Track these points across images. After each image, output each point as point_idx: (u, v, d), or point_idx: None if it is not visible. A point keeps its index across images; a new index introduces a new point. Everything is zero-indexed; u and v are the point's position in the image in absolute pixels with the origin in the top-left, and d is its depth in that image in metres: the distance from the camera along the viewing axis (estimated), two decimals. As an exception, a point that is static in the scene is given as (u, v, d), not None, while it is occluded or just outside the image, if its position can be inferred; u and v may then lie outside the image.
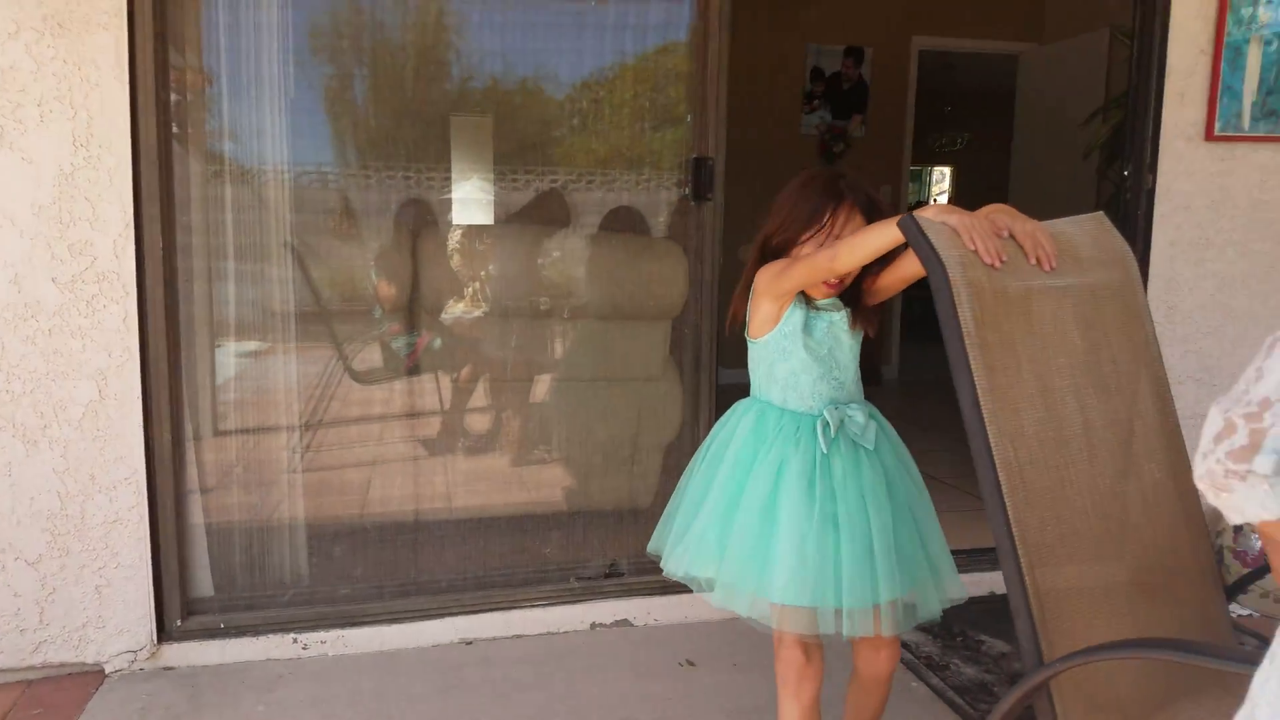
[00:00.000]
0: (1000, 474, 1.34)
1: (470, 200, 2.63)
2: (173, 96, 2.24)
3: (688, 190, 2.51)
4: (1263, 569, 1.60)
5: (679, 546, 1.66)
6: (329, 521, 2.51)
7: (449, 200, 2.57)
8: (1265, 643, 2.04)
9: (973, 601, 2.63)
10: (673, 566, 1.67)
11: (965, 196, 8.48)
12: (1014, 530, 1.32)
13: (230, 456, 2.44)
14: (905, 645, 2.40)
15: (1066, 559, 1.37)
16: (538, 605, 2.47)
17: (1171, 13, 2.67)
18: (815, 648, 1.64)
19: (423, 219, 2.59)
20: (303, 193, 2.43)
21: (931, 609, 1.62)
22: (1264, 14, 2.70)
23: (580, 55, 2.58)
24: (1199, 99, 2.73)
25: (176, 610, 2.32)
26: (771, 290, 1.61)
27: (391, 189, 2.51)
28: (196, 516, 2.37)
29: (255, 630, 2.35)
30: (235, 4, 2.29)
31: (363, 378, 2.73)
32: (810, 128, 5.69)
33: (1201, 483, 0.74)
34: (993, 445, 1.35)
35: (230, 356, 2.48)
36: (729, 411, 1.74)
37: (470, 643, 2.42)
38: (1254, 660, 1.14)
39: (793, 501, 1.57)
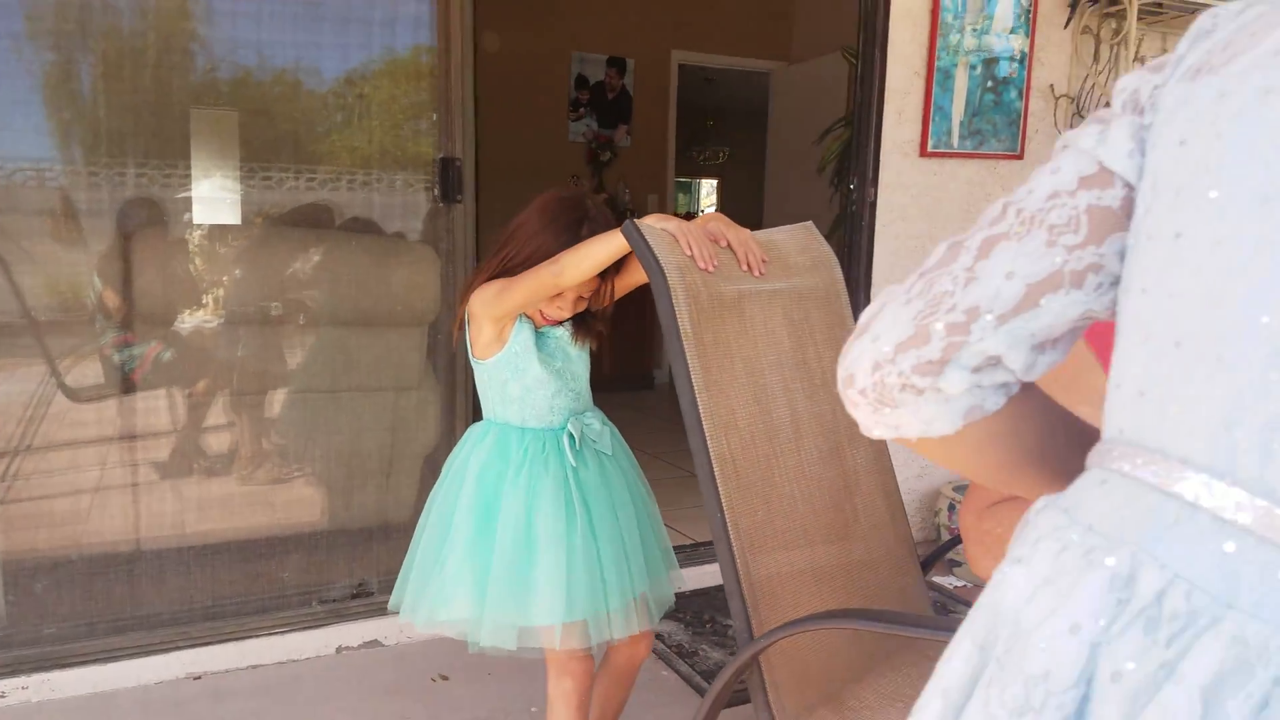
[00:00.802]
0: (715, 465, 1.40)
1: (210, 199, 2.43)
2: None
3: (436, 191, 2.46)
4: (952, 542, 1.78)
5: (426, 593, 1.59)
6: (31, 556, 2.23)
7: (186, 199, 2.37)
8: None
9: (722, 589, 2.76)
10: (421, 617, 1.58)
11: (728, 208, 8.90)
12: (727, 517, 1.39)
13: (-95, 488, 2.12)
14: (658, 636, 2.46)
15: (777, 542, 1.46)
16: (276, 632, 2.33)
17: (890, 37, 2.92)
18: (591, 668, 1.65)
19: (155, 219, 2.37)
20: (10, 191, 2.16)
21: (669, 598, 1.69)
22: (969, 41, 3.02)
23: (326, 50, 2.46)
24: (915, 118, 3.01)
25: None
26: (491, 312, 1.57)
27: (120, 186, 2.27)
28: None
29: (-62, 684, 2.05)
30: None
31: (79, 395, 2.46)
32: (578, 135, 5.77)
33: (864, 395, 0.61)
34: (708, 439, 1.41)
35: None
36: (462, 440, 1.68)
37: (199, 677, 2.24)
38: (933, 626, 1.26)
39: (551, 521, 1.55)
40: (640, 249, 1.44)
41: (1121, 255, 0.57)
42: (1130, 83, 0.59)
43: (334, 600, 2.44)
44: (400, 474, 2.55)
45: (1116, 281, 0.58)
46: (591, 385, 1.72)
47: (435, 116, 2.45)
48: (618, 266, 1.59)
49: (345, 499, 2.51)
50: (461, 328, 1.67)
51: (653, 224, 1.48)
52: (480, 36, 5.17)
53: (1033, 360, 0.59)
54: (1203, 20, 0.58)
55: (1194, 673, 0.46)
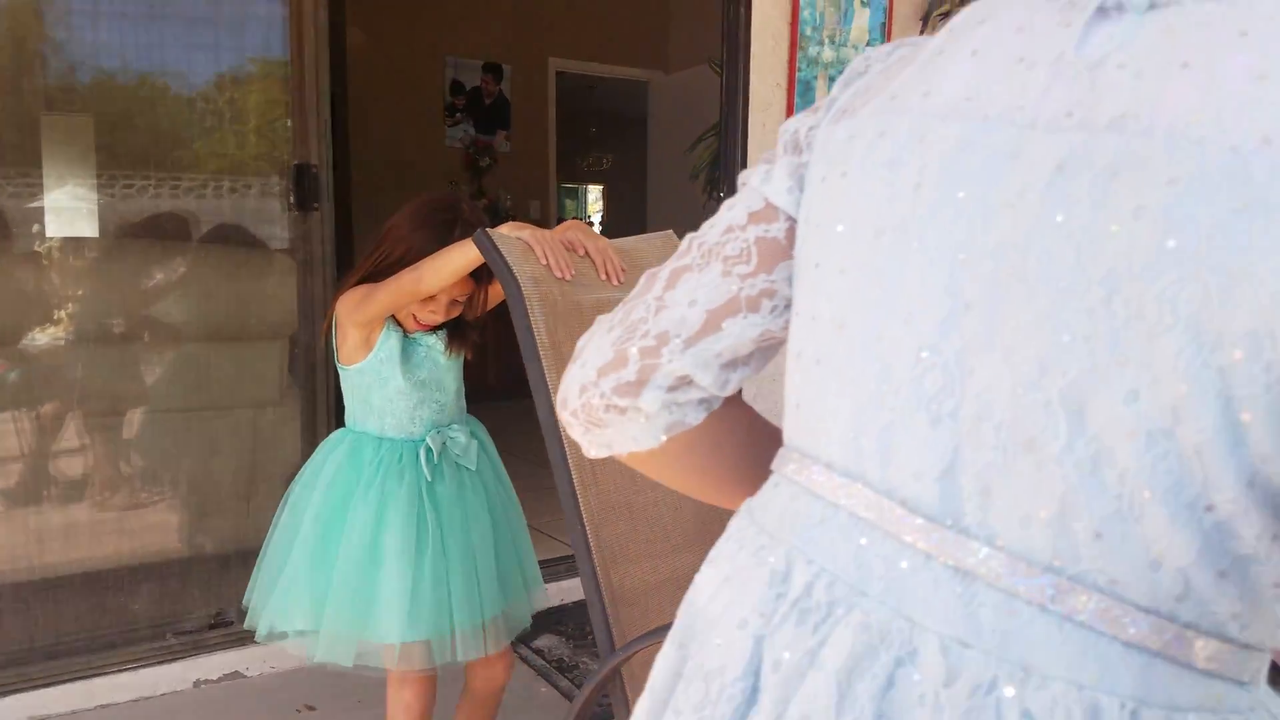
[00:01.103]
0: (574, 477, 1.38)
1: (59, 210, 2.28)
2: None
3: (292, 199, 2.37)
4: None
5: (270, 600, 1.53)
6: None
7: (35, 209, 2.22)
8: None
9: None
10: (261, 625, 1.53)
11: (613, 215, 8.94)
12: (588, 529, 1.38)
13: None
14: (537, 651, 2.43)
15: (641, 552, 1.45)
16: (127, 669, 2.19)
17: (752, 50, 2.98)
18: (435, 681, 1.60)
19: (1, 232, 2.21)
20: None
21: (524, 619, 1.65)
22: (828, 53, 3.11)
23: (174, 52, 2.34)
24: (778, 128, 3.07)
25: None
26: (355, 318, 1.54)
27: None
28: None
29: None
30: None
31: (-92, 421, 2.26)
32: (455, 140, 5.68)
33: (575, 416, 0.66)
34: (567, 450, 1.39)
35: None
36: (319, 448, 1.64)
37: (42, 721, 2.09)
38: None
39: (400, 536, 1.51)
40: (493, 258, 1.42)
41: (791, 281, 0.62)
42: (792, 124, 0.64)
43: (190, 632, 2.31)
44: (260, 495, 2.44)
45: (790, 305, 0.62)
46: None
47: (290, 122, 2.36)
48: (491, 274, 1.57)
49: (202, 523, 2.39)
50: (329, 332, 1.63)
51: (507, 233, 1.47)
52: (348, 39, 5.03)
53: (725, 377, 0.63)
54: (856, 63, 0.63)
55: (832, 658, 0.50)
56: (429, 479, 1.56)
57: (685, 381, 0.63)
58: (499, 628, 1.62)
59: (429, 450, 1.57)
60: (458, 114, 5.66)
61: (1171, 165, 0.42)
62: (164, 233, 2.38)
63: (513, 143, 5.88)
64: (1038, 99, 0.48)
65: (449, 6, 5.46)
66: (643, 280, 0.66)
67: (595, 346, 0.65)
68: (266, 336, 2.45)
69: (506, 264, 1.42)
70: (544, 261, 1.45)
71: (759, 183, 0.64)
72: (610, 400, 0.63)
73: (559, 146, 6.15)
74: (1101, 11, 0.47)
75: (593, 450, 0.69)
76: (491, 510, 1.64)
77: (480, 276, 1.56)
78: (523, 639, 1.83)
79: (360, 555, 1.49)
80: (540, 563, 1.84)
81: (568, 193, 9.88)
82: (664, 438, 0.65)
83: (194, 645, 2.29)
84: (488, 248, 1.43)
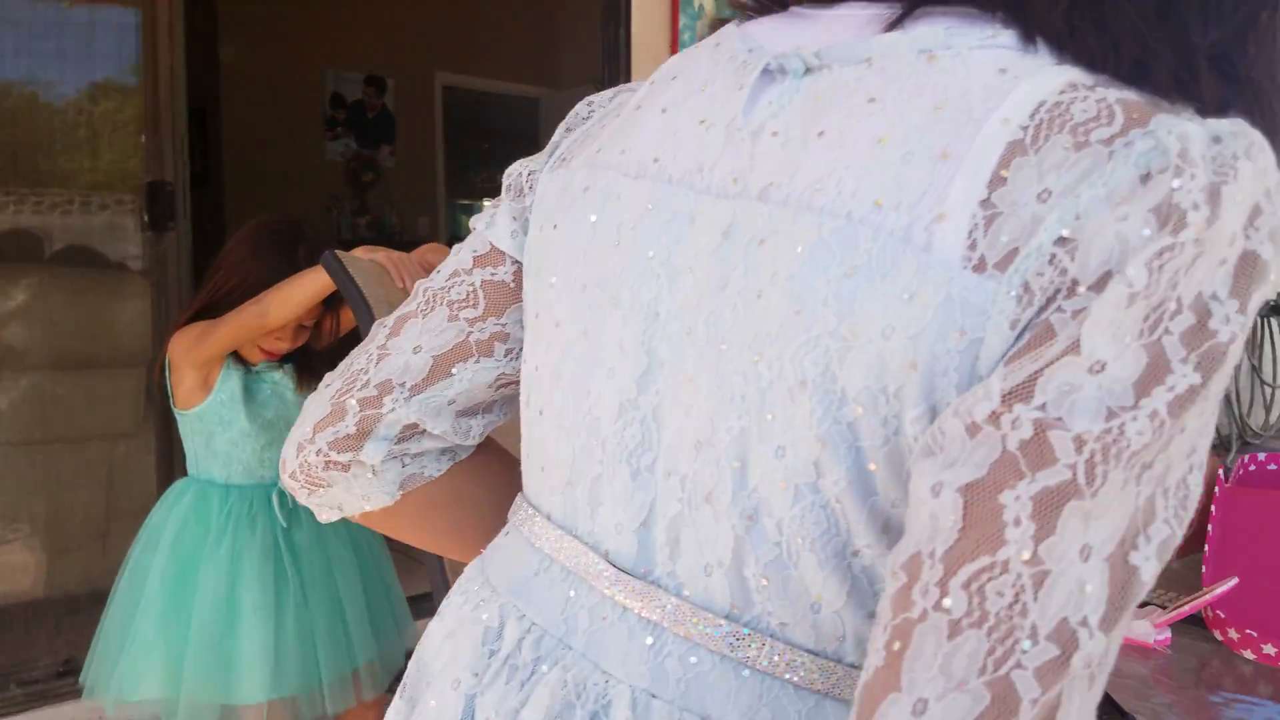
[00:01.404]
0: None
1: None
2: None
3: (145, 218, 2.26)
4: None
5: (114, 670, 1.43)
6: None
7: None
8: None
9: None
10: (108, 697, 1.43)
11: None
12: (446, 564, 1.34)
13: None
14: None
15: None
16: (-37, 724, 2.03)
17: (632, 70, 2.99)
18: None
19: None
20: None
21: (399, 661, 1.60)
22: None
23: (15, 63, 2.20)
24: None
25: None
26: (192, 358, 1.45)
27: None
28: None
29: None
30: None
31: None
32: (335, 155, 5.52)
33: (295, 478, 0.63)
34: (424, 481, 1.36)
35: None
36: (161, 500, 1.54)
37: None
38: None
39: (257, 591, 1.44)
40: (343, 282, 1.36)
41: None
42: (516, 168, 0.63)
43: (36, 681, 2.16)
44: (115, 533, 2.30)
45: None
46: None
47: (143, 138, 2.25)
48: (341, 299, 1.51)
49: (50, 564, 2.24)
50: (163, 373, 1.53)
51: (361, 255, 1.42)
52: (220, 51, 4.84)
53: (465, 425, 0.62)
54: (580, 107, 0.63)
55: (531, 717, 0.50)
56: (285, 526, 1.49)
57: (415, 431, 0.60)
58: (374, 673, 1.56)
59: (283, 495, 1.49)
60: (338, 128, 5.51)
61: (797, 234, 0.44)
62: (9, 253, 2.24)
63: (397, 157, 5.76)
64: (712, 164, 0.49)
65: (326, 18, 5.31)
66: (372, 330, 0.64)
67: (314, 403, 0.62)
68: (119, 364, 2.33)
69: (357, 287, 1.36)
70: (400, 284, 1.41)
71: (483, 227, 0.63)
72: (329, 456, 0.60)
73: (449, 162, 6.05)
74: (767, 74, 0.48)
75: (322, 514, 0.65)
76: (357, 551, 1.57)
77: (329, 301, 1.50)
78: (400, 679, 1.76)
79: (215, 615, 1.41)
80: (420, 597, 1.77)
81: (463, 209, 9.74)
82: (399, 493, 0.62)
83: (41, 696, 2.14)
84: (337, 271, 1.37)
